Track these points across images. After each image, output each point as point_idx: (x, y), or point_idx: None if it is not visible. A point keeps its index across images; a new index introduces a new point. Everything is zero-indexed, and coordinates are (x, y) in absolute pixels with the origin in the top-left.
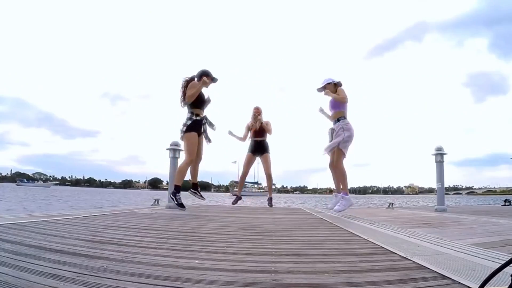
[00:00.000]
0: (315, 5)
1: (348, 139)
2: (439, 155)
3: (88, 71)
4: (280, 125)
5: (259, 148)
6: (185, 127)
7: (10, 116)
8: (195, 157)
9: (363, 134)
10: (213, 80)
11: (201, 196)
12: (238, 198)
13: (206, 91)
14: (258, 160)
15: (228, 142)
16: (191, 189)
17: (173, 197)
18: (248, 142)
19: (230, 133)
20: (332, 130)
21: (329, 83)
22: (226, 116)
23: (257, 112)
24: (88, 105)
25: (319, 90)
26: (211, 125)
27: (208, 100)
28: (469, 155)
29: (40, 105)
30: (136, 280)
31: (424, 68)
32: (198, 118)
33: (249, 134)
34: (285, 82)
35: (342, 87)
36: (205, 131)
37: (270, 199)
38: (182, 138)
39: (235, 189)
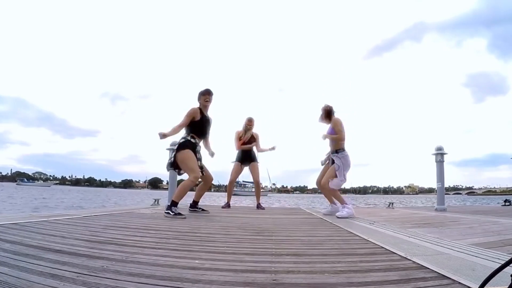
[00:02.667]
0: (314, 5)
1: (345, 168)
2: (439, 155)
3: (88, 71)
4: (280, 125)
5: (247, 157)
6: (177, 146)
7: (10, 116)
8: (200, 174)
9: (363, 134)
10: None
11: (202, 210)
12: (228, 205)
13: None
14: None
15: (227, 142)
16: (190, 208)
17: (168, 211)
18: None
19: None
20: (331, 160)
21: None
22: (226, 116)
23: (248, 125)
24: (88, 105)
25: (319, 121)
26: (211, 153)
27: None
28: (469, 155)
29: (40, 105)
30: (136, 280)
31: (423, 69)
32: (192, 140)
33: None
34: (284, 82)
35: (336, 115)
36: (199, 152)
37: (258, 205)
38: (172, 159)
39: (235, 189)
